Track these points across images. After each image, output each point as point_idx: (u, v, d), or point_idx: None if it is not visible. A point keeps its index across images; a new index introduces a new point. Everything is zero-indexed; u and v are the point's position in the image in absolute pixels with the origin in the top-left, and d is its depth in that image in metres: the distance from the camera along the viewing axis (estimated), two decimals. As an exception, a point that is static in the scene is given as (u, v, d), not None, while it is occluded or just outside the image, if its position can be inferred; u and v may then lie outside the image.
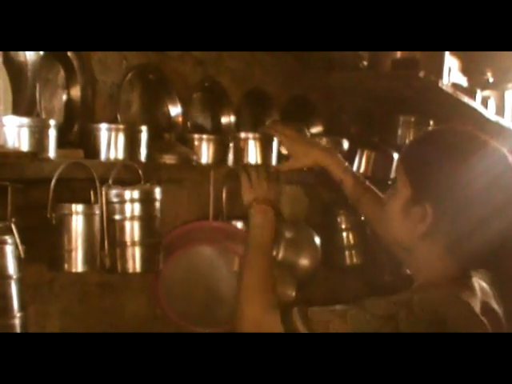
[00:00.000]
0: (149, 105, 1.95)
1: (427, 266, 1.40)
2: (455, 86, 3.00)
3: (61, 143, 1.53)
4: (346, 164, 1.95)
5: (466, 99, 2.86)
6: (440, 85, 2.50)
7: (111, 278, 1.81)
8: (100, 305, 1.85)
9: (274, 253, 2.07)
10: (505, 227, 1.33)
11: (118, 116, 1.77)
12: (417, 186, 1.37)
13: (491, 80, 4.18)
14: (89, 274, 1.64)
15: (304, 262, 2.19)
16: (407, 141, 3.04)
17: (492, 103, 3.64)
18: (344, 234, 2.56)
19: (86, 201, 1.56)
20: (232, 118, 2.17)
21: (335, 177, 1.92)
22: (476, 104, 3.10)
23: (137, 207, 1.57)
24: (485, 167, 1.33)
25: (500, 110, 3.87)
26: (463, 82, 3.40)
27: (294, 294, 2.07)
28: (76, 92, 1.73)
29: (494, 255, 1.37)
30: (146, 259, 1.59)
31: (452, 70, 3.05)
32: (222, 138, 1.92)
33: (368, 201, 1.90)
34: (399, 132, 3.05)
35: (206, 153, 1.87)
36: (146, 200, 1.58)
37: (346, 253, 2.57)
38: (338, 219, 2.55)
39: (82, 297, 1.79)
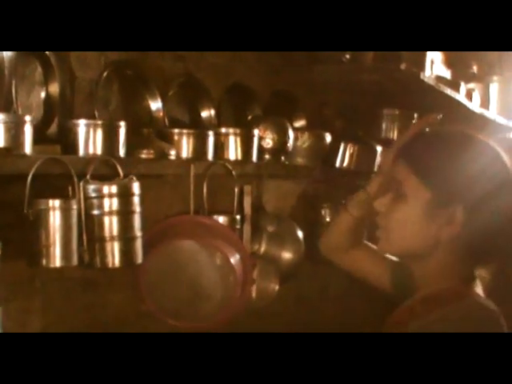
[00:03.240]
0: (129, 100, 1.95)
1: (440, 272, 1.39)
2: (439, 78, 3.01)
3: (40, 139, 1.53)
4: None
5: (448, 91, 2.87)
6: (421, 77, 2.51)
7: (93, 273, 1.81)
8: (82, 301, 1.85)
9: (257, 246, 2.08)
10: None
11: (96, 112, 1.77)
12: (439, 189, 1.35)
13: (476, 73, 4.19)
14: (70, 269, 1.64)
15: (287, 255, 2.19)
16: (392, 134, 3.06)
17: (477, 96, 3.65)
18: (329, 228, 2.55)
19: (67, 197, 1.56)
20: (212, 113, 2.17)
21: None
22: (460, 96, 3.11)
23: (115, 202, 1.57)
24: (495, 168, 1.37)
25: (485, 103, 3.89)
26: (447, 74, 3.41)
27: (277, 287, 2.07)
28: (54, 88, 1.73)
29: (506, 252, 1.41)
30: (124, 254, 1.59)
31: (435, 62, 3.05)
32: (202, 132, 1.92)
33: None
34: (384, 125, 3.05)
35: (185, 147, 1.87)
36: (125, 195, 1.58)
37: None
38: (323, 212, 2.56)
39: (64, 293, 1.79)
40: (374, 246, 1.71)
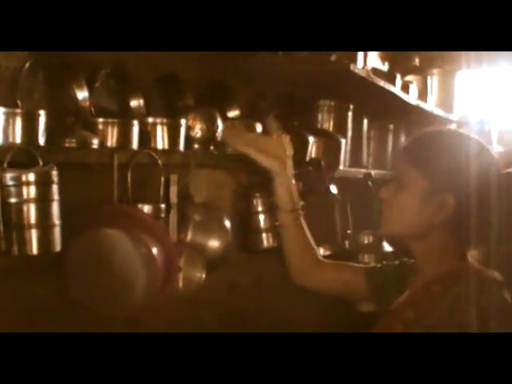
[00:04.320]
0: (55, 90, 1.95)
1: (436, 252, 1.66)
2: (374, 70, 3.05)
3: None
4: None
5: (382, 83, 2.91)
6: (352, 68, 2.54)
7: (16, 263, 1.81)
8: (6, 291, 1.84)
9: (183, 235, 2.10)
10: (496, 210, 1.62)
11: (18, 101, 1.77)
12: (434, 179, 1.63)
13: (418, 65, 4.25)
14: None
15: (213, 243, 2.20)
16: (328, 125, 3.09)
17: (414, 88, 3.70)
18: (260, 217, 2.58)
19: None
20: (141, 103, 2.18)
21: None
22: (394, 88, 3.15)
23: (33, 190, 1.57)
24: (481, 162, 1.65)
25: (423, 95, 3.94)
26: (384, 67, 3.47)
27: (203, 275, 2.09)
28: (-25, 77, 1.73)
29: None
30: (42, 242, 1.59)
31: (370, 54, 3.10)
32: (127, 122, 1.93)
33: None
34: (319, 116, 3.09)
35: (110, 137, 1.88)
36: (43, 183, 1.59)
37: (263, 235, 2.59)
38: (254, 202, 2.58)
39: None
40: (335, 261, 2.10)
